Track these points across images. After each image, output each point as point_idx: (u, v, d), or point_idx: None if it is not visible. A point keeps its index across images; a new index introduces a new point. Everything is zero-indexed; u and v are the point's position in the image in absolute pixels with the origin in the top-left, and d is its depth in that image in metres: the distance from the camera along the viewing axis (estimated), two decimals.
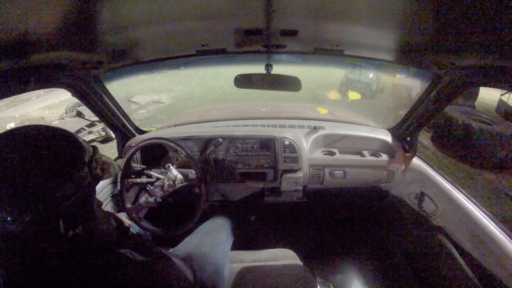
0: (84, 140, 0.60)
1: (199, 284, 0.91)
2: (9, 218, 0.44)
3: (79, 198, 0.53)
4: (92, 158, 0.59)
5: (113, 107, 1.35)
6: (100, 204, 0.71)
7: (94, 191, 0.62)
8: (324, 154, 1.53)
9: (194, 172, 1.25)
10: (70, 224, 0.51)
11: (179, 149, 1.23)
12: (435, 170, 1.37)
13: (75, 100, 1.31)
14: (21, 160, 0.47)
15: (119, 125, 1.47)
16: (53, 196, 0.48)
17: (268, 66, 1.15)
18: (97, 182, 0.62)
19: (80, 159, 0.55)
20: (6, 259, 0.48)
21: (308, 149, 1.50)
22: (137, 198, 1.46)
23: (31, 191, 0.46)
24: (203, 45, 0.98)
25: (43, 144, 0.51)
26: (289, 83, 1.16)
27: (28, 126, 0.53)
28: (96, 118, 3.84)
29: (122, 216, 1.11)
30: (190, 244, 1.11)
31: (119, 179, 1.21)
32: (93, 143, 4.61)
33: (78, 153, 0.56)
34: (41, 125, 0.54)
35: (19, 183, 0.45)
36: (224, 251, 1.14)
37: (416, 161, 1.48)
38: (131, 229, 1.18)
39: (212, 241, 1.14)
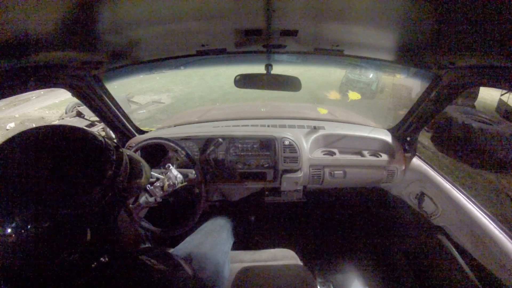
0: (105, 138, 0.53)
1: (200, 284, 0.91)
2: (28, 226, 0.38)
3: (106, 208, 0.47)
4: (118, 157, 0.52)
5: (113, 107, 1.35)
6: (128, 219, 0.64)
7: (122, 202, 0.55)
8: (324, 154, 1.53)
9: (194, 172, 1.25)
10: (95, 253, 0.46)
11: (179, 149, 1.23)
12: (435, 170, 1.37)
13: (75, 100, 1.31)
14: (39, 160, 0.41)
15: (119, 125, 1.47)
16: (76, 200, 0.42)
17: (268, 66, 1.15)
18: (127, 190, 0.54)
19: (107, 159, 0.49)
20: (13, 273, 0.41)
21: (308, 149, 1.50)
22: (137, 198, 1.46)
23: (50, 193, 0.40)
24: (203, 45, 0.98)
25: (65, 144, 0.46)
26: (289, 83, 1.16)
27: (50, 126, 0.48)
28: (96, 118, 3.84)
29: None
30: (191, 244, 1.11)
31: None
32: None
33: (103, 152, 0.49)
34: (64, 125, 0.49)
35: (35, 184, 0.40)
36: (224, 251, 1.14)
37: (416, 161, 1.48)
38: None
39: (212, 241, 1.14)
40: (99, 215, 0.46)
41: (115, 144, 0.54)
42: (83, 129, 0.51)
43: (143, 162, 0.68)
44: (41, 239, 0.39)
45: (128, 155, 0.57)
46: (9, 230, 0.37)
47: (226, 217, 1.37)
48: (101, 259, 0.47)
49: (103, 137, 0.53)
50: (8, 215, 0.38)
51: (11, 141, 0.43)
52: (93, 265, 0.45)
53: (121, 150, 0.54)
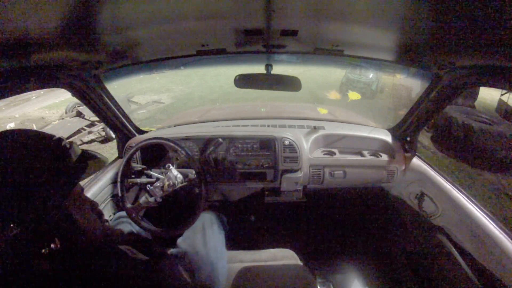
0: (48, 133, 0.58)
1: (197, 284, 0.91)
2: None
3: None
4: (62, 149, 0.56)
5: (113, 107, 1.35)
6: (92, 205, 0.66)
7: (72, 190, 0.57)
8: (324, 154, 1.53)
9: (194, 172, 1.25)
10: (44, 239, 0.47)
11: (179, 149, 1.23)
12: (435, 170, 1.37)
13: (75, 100, 1.31)
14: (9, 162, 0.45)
15: (119, 125, 1.47)
16: (43, 204, 0.46)
17: (268, 66, 1.15)
18: (74, 179, 0.57)
19: (60, 149, 0.54)
20: None
21: (308, 149, 1.50)
22: (137, 198, 1.46)
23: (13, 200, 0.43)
24: (203, 45, 0.98)
25: (17, 148, 0.49)
26: (289, 83, 1.16)
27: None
28: (96, 118, 3.84)
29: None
30: (183, 244, 1.09)
31: (119, 179, 1.21)
32: (93, 143, 4.63)
33: (56, 144, 0.54)
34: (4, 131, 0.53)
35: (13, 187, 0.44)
36: (216, 246, 1.12)
37: (416, 161, 1.48)
38: (131, 228, 1.17)
39: (201, 239, 1.12)
40: (40, 193, 0.48)
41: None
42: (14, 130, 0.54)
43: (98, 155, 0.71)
44: None
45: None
46: None
47: (212, 212, 1.34)
48: (52, 245, 0.49)
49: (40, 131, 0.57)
50: None
51: None
52: (43, 251, 0.47)
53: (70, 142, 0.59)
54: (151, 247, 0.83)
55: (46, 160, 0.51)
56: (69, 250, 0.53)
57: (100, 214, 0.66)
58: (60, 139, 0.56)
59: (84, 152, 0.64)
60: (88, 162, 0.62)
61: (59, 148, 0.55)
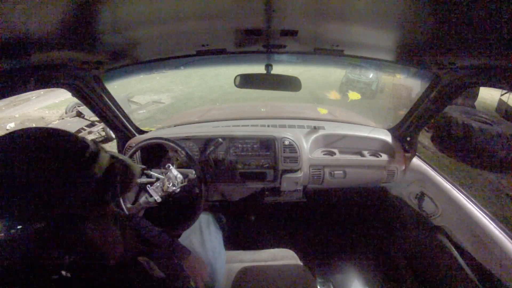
0: (84, 138, 0.53)
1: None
2: (18, 226, 0.39)
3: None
4: (96, 155, 0.51)
5: (113, 107, 1.35)
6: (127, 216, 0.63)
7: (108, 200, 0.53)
8: (324, 154, 1.53)
9: (194, 172, 1.25)
10: (67, 246, 0.45)
11: (179, 149, 1.23)
12: (435, 170, 1.37)
13: (75, 100, 1.31)
14: (24, 162, 0.42)
15: (119, 125, 1.47)
16: (63, 200, 0.43)
17: (268, 66, 1.15)
18: (108, 188, 0.52)
19: (84, 157, 0.48)
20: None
21: (308, 149, 1.50)
22: (137, 198, 1.46)
23: (37, 195, 0.41)
24: (203, 45, 0.98)
25: (45, 145, 0.46)
26: (289, 83, 1.16)
27: (26, 128, 0.48)
28: (96, 118, 3.84)
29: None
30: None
31: None
32: None
33: (81, 151, 0.49)
34: (38, 127, 0.50)
35: (22, 186, 0.41)
36: (212, 246, 1.12)
37: (416, 161, 1.48)
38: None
39: (198, 239, 1.12)
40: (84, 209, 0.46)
41: (92, 143, 0.53)
42: (52, 128, 0.51)
43: (133, 165, 0.67)
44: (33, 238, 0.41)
45: (112, 155, 0.57)
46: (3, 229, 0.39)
47: (208, 212, 1.34)
48: (73, 255, 0.46)
49: (81, 138, 0.52)
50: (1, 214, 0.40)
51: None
52: (67, 257, 0.45)
53: (99, 148, 0.54)
54: (170, 257, 0.80)
55: (65, 167, 0.45)
56: (89, 263, 0.50)
57: (123, 227, 0.60)
58: (84, 142, 0.50)
59: (114, 160, 0.57)
60: (116, 177, 0.56)
61: (83, 154, 0.48)
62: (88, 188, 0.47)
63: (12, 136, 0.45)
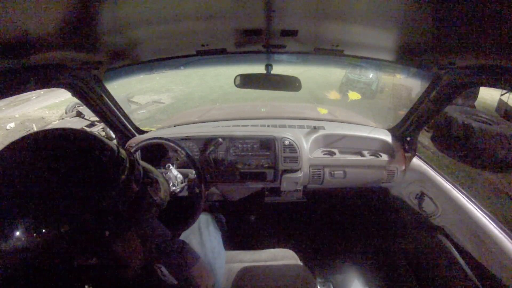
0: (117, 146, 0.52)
1: None
2: (43, 230, 0.36)
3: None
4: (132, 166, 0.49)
5: (113, 107, 1.35)
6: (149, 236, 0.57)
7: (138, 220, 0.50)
8: (324, 154, 1.53)
9: (194, 172, 1.25)
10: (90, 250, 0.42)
11: (179, 149, 1.23)
12: (435, 170, 1.37)
13: (75, 100, 1.30)
14: (56, 163, 0.41)
15: (119, 125, 1.47)
16: (97, 204, 0.41)
17: (268, 66, 1.15)
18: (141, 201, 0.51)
19: (120, 165, 0.47)
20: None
21: (308, 149, 1.50)
22: None
23: (71, 196, 0.39)
24: (203, 45, 0.98)
25: (81, 146, 0.45)
26: (289, 83, 1.16)
27: (64, 128, 0.47)
28: (96, 118, 3.84)
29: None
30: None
31: None
32: None
33: (117, 158, 0.47)
34: (75, 129, 0.49)
35: (56, 187, 0.39)
36: (212, 246, 1.12)
37: (416, 161, 1.48)
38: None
39: (197, 240, 1.12)
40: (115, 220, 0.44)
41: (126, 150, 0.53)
42: (93, 133, 0.50)
43: (158, 174, 0.66)
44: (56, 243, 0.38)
45: (143, 166, 0.56)
46: (26, 233, 0.36)
47: (207, 213, 1.34)
48: (94, 259, 0.43)
49: (116, 144, 0.52)
50: (18, 218, 0.37)
51: (25, 143, 0.43)
52: (90, 261, 0.43)
53: (133, 156, 0.53)
54: (181, 263, 0.79)
55: (103, 173, 0.43)
56: (109, 274, 0.47)
57: (145, 236, 0.56)
58: (113, 153, 0.47)
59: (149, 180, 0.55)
60: (143, 202, 0.53)
61: (122, 163, 0.47)
62: (124, 197, 0.46)
63: (46, 134, 0.45)
